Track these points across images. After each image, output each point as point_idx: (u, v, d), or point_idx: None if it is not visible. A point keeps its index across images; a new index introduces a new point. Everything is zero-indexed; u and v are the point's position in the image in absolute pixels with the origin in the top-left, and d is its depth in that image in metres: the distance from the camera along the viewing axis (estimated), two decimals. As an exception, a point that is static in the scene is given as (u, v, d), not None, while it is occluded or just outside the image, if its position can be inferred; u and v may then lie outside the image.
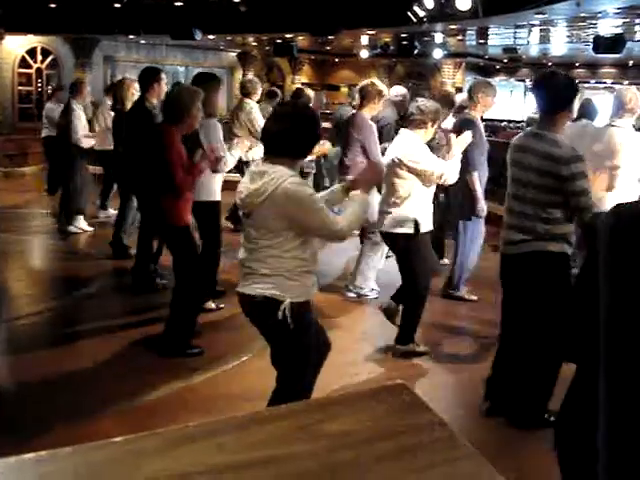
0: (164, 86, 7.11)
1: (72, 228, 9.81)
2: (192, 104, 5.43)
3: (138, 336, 5.99)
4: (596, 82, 24.70)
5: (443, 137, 7.28)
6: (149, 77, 7.05)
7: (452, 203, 7.30)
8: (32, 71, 18.14)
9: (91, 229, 9.99)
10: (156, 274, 7.28)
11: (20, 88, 17.85)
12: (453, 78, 21.66)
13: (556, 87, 4.22)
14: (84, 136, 9.60)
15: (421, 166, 5.40)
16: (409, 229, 5.47)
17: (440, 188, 6.59)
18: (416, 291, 5.57)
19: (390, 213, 5.59)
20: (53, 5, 14.50)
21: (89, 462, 0.95)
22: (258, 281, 3.52)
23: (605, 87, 24.19)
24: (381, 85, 7.10)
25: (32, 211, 11.72)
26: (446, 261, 7.94)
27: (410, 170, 5.44)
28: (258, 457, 0.99)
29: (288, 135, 3.47)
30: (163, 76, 7.20)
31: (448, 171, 5.45)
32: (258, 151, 7.52)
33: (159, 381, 4.99)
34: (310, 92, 9.13)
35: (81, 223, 9.91)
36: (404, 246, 5.56)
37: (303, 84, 24.89)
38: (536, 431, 4.17)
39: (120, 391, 4.83)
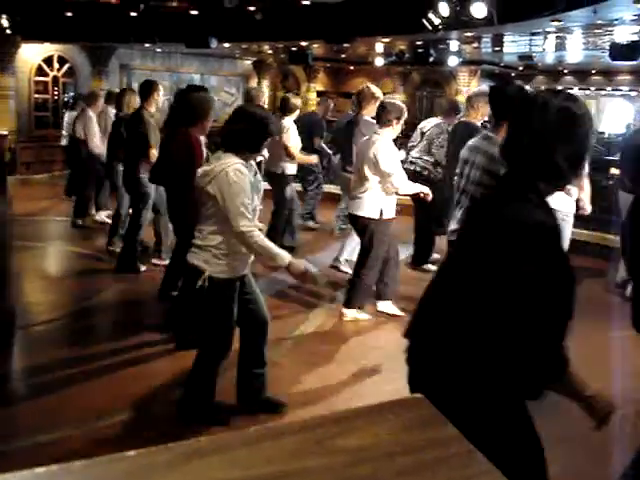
0: (161, 96, 8.15)
1: (78, 221, 10.78)
2: (209, 110, 6.00)
3: (153, 342, 6.01)
4: (612, 89, 24.57)
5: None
6: (148, 89, 7.96)
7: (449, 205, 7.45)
8: (49, 79, 18.21)
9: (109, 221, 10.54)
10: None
11: (37, 96, 17.93)
12: (468, 85, 21.59)
13: (503, 97, 4.78)
14: (96, 145, 10.35)
15: (387, 170, 6.33)
16: (374, 214, 6.41)
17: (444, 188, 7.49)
18: (368, 262, 6.54)
19: (360, 198, 6.49)
20: (70, 14, 14.58)
21: (102, 476, 0.94)
22: (194, 251, 4.24)
23: (622, 94, 24.08)
24: (375, 89, 7.88)
25: (48, 218, 11.79)
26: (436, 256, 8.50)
27: (377, 168, 6.34)
28: (272, 472, 0.97)
29: (241, 134, 4.16)
30: (160, 87, 8.12)
31: (402, 187, 6.44)
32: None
33: (172, 387, 4.99)
34: (297, 101, 9.27)
35: (102, 216, 10.95)
36: (367, 228, 6.47)
37: (318, 92, 24.95)
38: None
39: (133, 398, 4.83)
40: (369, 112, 7.71)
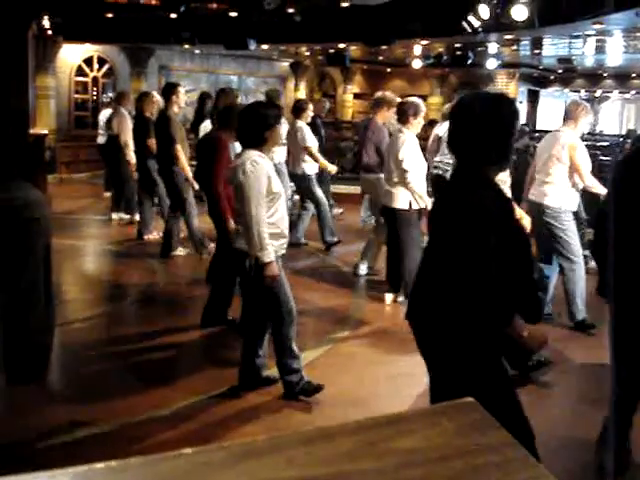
0: (182, 97, 8.83)
1: (113, 215, 11.38)
2: None
3: (190, 342, 6.04)
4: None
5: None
6: (169, 91, 8.76)
7: None
8: (88, 79, 18.44)
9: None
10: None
11: (76, 96, 18.16)
12: (507, 88, 21.46)
13: None
14: (128, 145, 10.61)
15: (404, 165, 6.71)
16: (404, 205, 6.79)
17: None
18: (404, 250, 6.84)
19: (391, 192, 6.90)
20: (110, 15, 14.73)
21: (158, 474, 0.95)
22: (240, 237, 4.72)
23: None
24: (388, 95, 8.35)
25: (86, 217, 11.93)
26: None
27: (399, 164, 6.75)
28: (327, 473, 0.97)
29: (245, 128, 4.71)
30: (180, 89, 8.87)
31: (417, 187, 6.75)
32: (280, 154, 9.28)
33: (210, 388, 5.01)
34: (309, 104, 9.90)
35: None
36: (398, 219, 6.88)
37: (355, 94, 24.93)
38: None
39: (172, 397, 4.85)
40: (383, 117, 8.21)
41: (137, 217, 10.57)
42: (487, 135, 2.84)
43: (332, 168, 9.65)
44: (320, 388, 4.86)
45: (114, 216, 11.33)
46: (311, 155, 9.22)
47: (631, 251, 3.63)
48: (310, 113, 9.65)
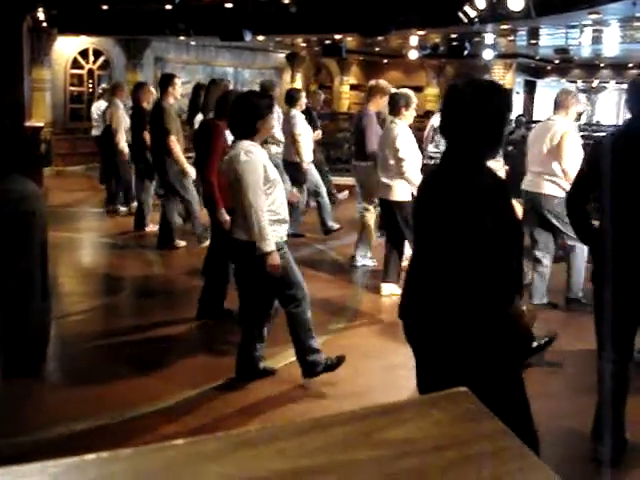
0: (178, 89, 8.75)
1: (117, 207, 11.26)
2: None
3: (187, 334, 6.04)
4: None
5: None
6: (166, 82, 8.72)
7: None
8: (84, 72, 18.36)
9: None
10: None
11: (72, 89, 18.08)
12: (503, 79, 21.41)
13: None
14: (120, 139, 10.58)
15: (400, 155, 6.70)
16: (405, 197, 6.76)
17: None
18: (402, 240, 6.96)
19: (389, 184, 6.89)
20: (105, 7, 14.66)
21: (150, 464, 0.94)
22: (241, 228, 4.59)
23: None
24: (383, 84, 8.20)
25: (82, 209, 11.91)
26: None
27: (395, 154, 6.74)
28: (320, 463, 0.97)
29: (236, 118, 4.68)
30: (177, 81, 8.79)
31: (413, 177, 6.63)
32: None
33: (207, 380, 5.01)
34: (302, 93, 9.93)
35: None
36: (400, 211, 6.78)
37: (351, 85, 24.89)
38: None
39: (168, 389, 4.85)
40: (376, 106, 8.14)
41: (134, 208, 10.57)
42: (479, 121, 2.85)
43: (305, 163, 9.31)
44: (342, 359, 4.95)
45: (113, 208, 11.28)
46: (294, 142, 9.12)
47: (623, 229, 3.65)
48: (304, 100, 9.63)
